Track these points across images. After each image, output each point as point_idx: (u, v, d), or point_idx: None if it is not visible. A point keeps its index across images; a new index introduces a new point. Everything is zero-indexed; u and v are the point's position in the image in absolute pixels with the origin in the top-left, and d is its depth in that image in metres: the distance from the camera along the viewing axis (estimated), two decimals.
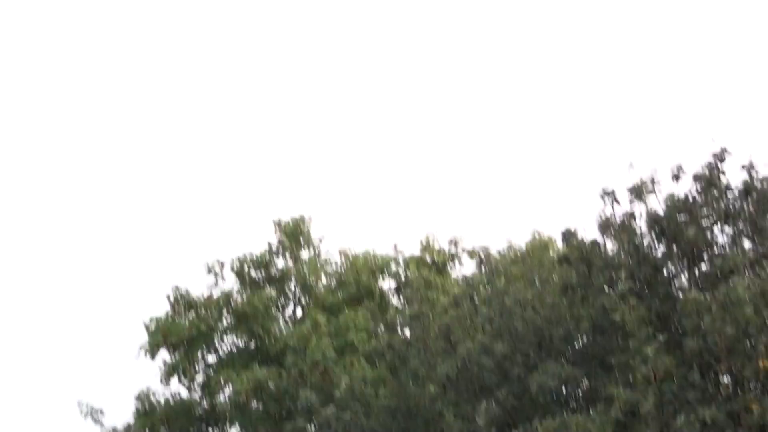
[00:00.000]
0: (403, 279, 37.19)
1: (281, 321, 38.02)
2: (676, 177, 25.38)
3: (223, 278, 38.57)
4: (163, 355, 37.71)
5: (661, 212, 25.35)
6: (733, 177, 25.30)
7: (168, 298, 38.11)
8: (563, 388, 25.55)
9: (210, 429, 37.87)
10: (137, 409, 37.52)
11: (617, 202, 26.09)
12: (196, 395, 37.75)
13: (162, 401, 37.57)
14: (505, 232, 34.74)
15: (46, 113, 75.62)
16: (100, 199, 73.27)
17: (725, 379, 24.12)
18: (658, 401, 22.91)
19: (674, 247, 25.12)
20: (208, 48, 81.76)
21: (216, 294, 38.11)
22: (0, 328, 59.53)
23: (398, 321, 33.60)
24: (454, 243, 37.94)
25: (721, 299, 22.71)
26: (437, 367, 27.28)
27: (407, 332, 31.06)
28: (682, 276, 25.38)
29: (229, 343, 38.10)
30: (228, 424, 36.88)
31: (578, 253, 25.99)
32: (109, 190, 74.20)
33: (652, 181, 25.59)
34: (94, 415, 38.00)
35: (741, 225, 25.11)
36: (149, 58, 79.40)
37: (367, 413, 28.76)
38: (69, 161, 76.11)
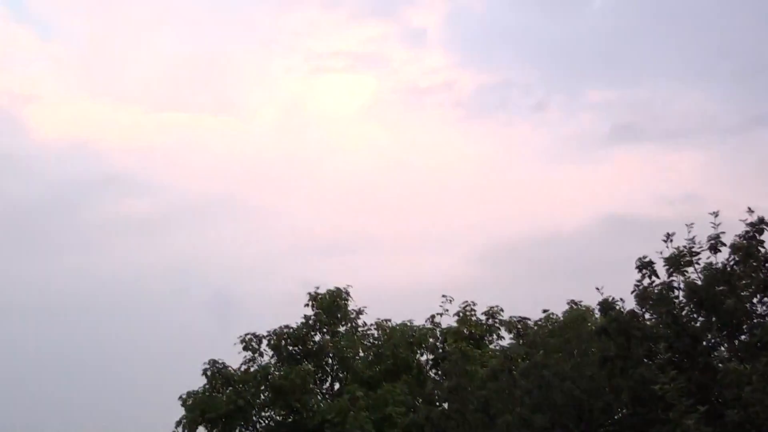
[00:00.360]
0: (440, 351, 37.04)
1: (319, 395, 37.93)
2: (714, 248, 25.28)
3: (260, 353, 38.63)
4: (200, 430, 37.70)
5: (699, 283, 25.23)
6: None
7: (205, 372, 38.12)
8: None
9: None
10: None
11: (655, 273, 26.03)
12: None
13: None
14: (542, 302, 34.64)
15: None
16: (135, 278, 73.84)
17: None
18: None
19: (713, 317, 24.97)
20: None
21: (253, 368, 38.11)
22: (35, 403, 59.95)
23: (436, 394, 33.46)
24: (492, 315, 37.81)
25: (761, 370, 22.49)
26: None
27: (446, 405, 30.91)
28: (722, 347, 25.19)
29: (267, 417, 38.02)
30: None
31: (617, 325, 25.87)
32: (142, 266, 74.81)
33: (690, 252, 25.51)
34: None
35: None
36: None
37: None
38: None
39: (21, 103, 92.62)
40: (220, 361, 38.33)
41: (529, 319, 34.83)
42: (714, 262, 25.28)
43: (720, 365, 24.23)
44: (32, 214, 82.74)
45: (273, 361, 38.35)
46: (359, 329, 39.20)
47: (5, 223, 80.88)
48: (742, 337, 24.96)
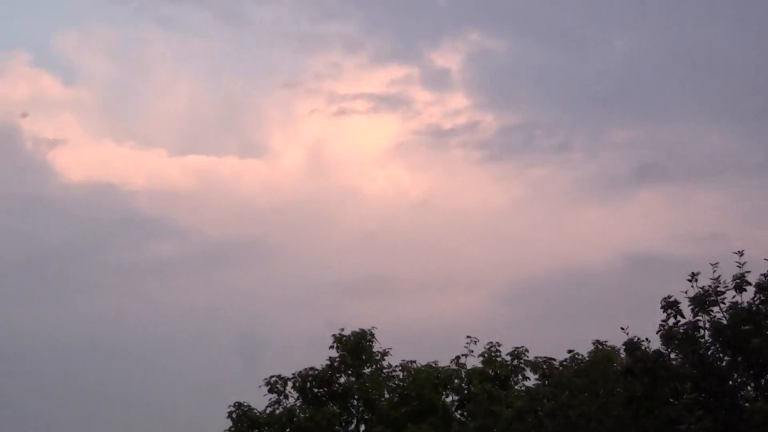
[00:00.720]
0: (466, 392, 36.93)
1: None
2: (740, 287, 25.24)
3: (285, 395, 38.58)
4: None
5: (725, 322, 25.18)
6: None
7: (230, 415, 38.12)
8: None
9: None
10: None
11: (680, 312, 25.99)
12: None
13: None
14: (567, 342, 34.50)
15: None
16: (160, 320, 74.11)
17: None
18: None
19: (739, 357, 24.88)
20: None
21: (279, 410, 38.07)
22: None
23: None
24: (517, 355, 37.69)
25: None
26: None
27: None
28: (749, 386, 25.10)
29: None
30: None
31: (642, 365, 25.82)
32: (167, 309, 75.09)
33: (716, 291, 25.47)
34: None
35: None
36: None
37: None
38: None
39: (46, 147, 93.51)
40: (245, 404, 38.32)
41: (554, 360, 34.67)
42: (739, 301, 25.25)
43: (746, 405, 24.16)
44: (57, 257, 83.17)
45: (298, 403, 38.26)
46: (384, 371, 39.10)
47: (31, 266, 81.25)
48: None
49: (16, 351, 70.16)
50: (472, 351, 38.10)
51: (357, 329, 39.36)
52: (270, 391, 38.50)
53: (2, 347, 69.15)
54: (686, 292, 25.79)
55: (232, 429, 37.95)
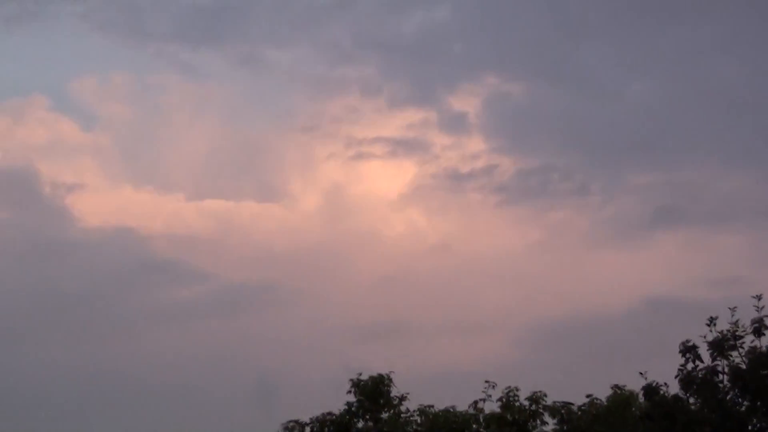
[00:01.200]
0: None
1: None
2: (758, 331, 25.18)
3: None
4: None
5: (743, 367, 25.10)
6: None
7: None
8: None
9: None
10: None
11: (699, 357, 25.92)
12: None
13: None
14: (585, 387, 34.35)
15: None
16: (178, 365, 74.25)
17: None
18: None
19: (758, 401, 24.80)
20: None
21: None
22: None
23: None
24: (535, 400, 37.53)
25: None
26: None
27: None
28: None
29: None
30: None
31: (661, 409, 25.75)
32: (184, 353, 75.27)
33: (734, 336, 25.41)
34: None
35: None
36: None
37: None
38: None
39: (64, 192, 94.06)
40: None
41: (572, 404, 34.52)
42: (758, 346, 25.19)
43: None
44: (76, 302, 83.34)
45: None
46: (402, 415, 38.95)
47: (50, 311, 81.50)
48: None
49: (36, 395, 70.32)
50: (490, 395, 37.91)
51: (374, 374, 39.27)
52: None
53: (23, 391, 69.34)
54: (705, 337, 25.76)
55: None
